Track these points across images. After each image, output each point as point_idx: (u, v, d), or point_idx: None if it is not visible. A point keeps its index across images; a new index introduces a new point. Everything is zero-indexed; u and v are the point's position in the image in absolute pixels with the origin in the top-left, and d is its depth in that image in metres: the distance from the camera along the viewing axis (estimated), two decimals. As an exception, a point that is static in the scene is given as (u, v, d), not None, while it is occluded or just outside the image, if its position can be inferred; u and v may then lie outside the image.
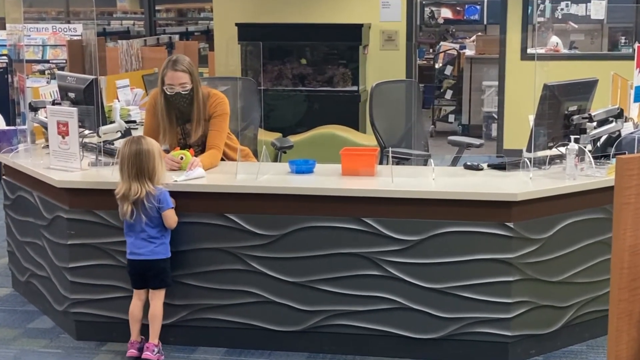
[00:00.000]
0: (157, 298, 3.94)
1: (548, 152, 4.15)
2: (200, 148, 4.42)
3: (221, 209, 3.95)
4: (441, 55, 11.31)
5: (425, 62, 11.62)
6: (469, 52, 10.90)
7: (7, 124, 5.23)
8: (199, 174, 4.07)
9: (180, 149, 4.35)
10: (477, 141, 5.35)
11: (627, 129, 4.30)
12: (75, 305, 4.19)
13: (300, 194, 3.92)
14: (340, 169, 4.12)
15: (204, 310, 4.06)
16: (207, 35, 11.50)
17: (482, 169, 4.17)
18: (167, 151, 4.32)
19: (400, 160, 4.95)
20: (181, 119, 4.42)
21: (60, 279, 4.25)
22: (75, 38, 7.89)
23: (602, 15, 8.99)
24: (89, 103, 4.37)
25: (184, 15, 13.35)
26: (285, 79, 8.47)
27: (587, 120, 4.09)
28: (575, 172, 3.93)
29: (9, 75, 6.66)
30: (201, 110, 4.35)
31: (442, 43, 11.92)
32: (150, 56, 7.91)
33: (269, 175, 4.11)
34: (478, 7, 12.64)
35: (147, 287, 3.95)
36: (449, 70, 10.82)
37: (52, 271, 4.33)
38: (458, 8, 12.72)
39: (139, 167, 3.82)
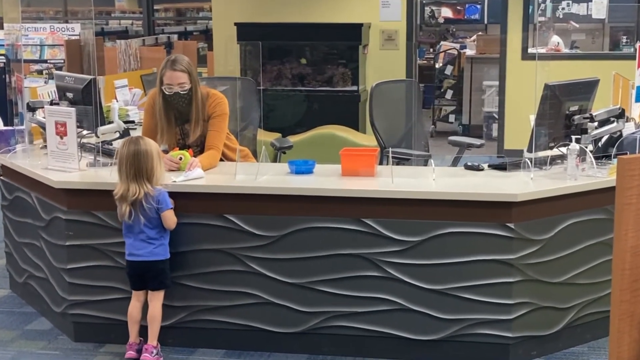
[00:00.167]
0: (156, 299, 3.93)
1: (549, 153, 4.14)
2: (199, 148, 4.41)
3: (220, 209, 3.94)
4: (441, 55, 11.30)
5: (425, 61, 11.61)
6: (469, 52, 10.89)
7: (5, 124, 5.21)
8: (198, 175, 4.06)
9: (179, 149, 4.33)
10: (477, 141, 5.35)
11: (628, 129, 4.29)
12: (73, 306, 4.18)
13: (299, 195, 3.91)
14: (340, 169, 4.10)
15: (203, 311, 4.05)
16: (206, 35, 11.48)
17: (482, 170, 4.16)
18: (165, 151, 4.31)
19: (401, 161, 4.95)
20: (180, 119, 4.40)
21: (58, 280, 4.23)
22: (73, 38, 7.87)
23: (603, 14, 8.98)
24: (87, 103, 4.36)
25: (183, 14, 13.33)
26: (284, 78, 8.45)
27: (588, 120, 4.08)
28: (577, 173, 3.92)
29: (7, 75, 6.65)
30: (200, 110, 4.34)
31: (442, 43, 11.90)
32: (149, 56, 7.89)
33: (268, 176, 4.09)
34: (478, 6, 12.63)
35: (146, 288, 3.94)
36: (449, 70, 10.81)
37: (50, 272, 4.32)
38: (458, 7, 12.71)
39: (137, 167, 3.81)
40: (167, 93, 4.29)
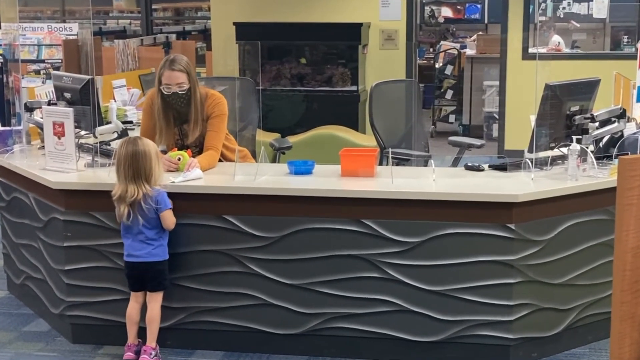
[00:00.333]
0: (155, 301, 3.91)
1: (550, 153, 4.13)
2: (197, 149, 4.39)
3: (219, 210, 3.93)
4: (441, 54, 11.28)
5: (425, 61, 11.60)
6: (469, 52, 10.87)
7: (3, 125, 5.19)
8: (196, 175, 4.04)
9: (178, 149, 4.32)
10: (478, 142, 5.35)
11: (629, 129, 4.29)
12: (71, 308, 4.16)
13: (299, 195, 3.90)
14: (339, 169, 4.09)
15: (202, 312, 4.03)
16: (205, 35, 11.45)
17: (483, 170, 4.15)
18: (164, 152, 4.30)
19: (400, 161, 4.95)
20: (178, 120, 4.39)
21: (56, 282, 4.22)
22: (71, 37, 7.85)
23: (604, 14, 8.96)
24: (85, 103, 4.35)
25: (181, 14, 13.32)
26: (283, 78, 8.43)
27: (589, 120, 4.07)
28: (578, 173, 3.91)
29: (4, 75, 6.63)
30: (199, 110, 4.33)
31: (442, 42, 11.89)
32: (147, 56, 7.88)
33: (267, 177, 4.08)
34: (479, 6, 12.61)
35: (144, 289, 3.93)
36: (449, 69, 10.80)
37: (47, 273, 4.30)
38: (459, 7, 12.69)
39: (135, 168, 3.80)
40: (165, 93, 4.28)
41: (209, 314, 4.03)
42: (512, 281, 3.77)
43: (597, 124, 4.07)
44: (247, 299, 3.97)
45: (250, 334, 4.01)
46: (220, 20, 8.90)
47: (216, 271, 3.98)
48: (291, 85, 8.39)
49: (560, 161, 4.16)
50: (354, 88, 8.32)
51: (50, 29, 8.00)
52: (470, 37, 12.03)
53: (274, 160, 5.29)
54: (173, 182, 3.97)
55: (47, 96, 5.33)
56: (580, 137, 4.00)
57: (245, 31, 8.34)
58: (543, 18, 8.91)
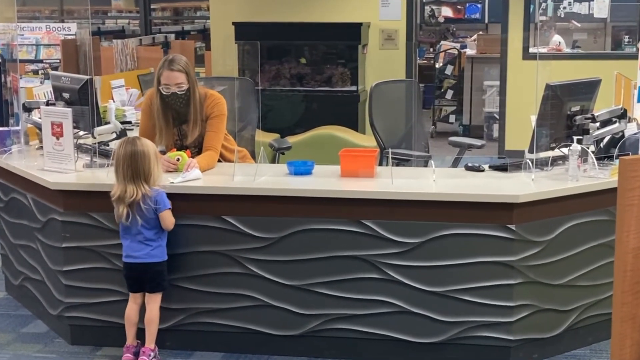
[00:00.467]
0: (154, 302, 3.90)
1: (550, 153, 4.12)
2: (197, 149, 4.38)
3: (218, 211, 3.92)
4: (442, 54, 11.27)
5: (425, 61, 11.58)
6: (469, 52, 10.85)
7: (1, 125, 5.19)
8: (195, 176, 4.03)
9: (177, 150, 4.31)
10: (478, 142, 5.34)
11: (630, 129, 4.28)
12: (69, 309, 4.15)
13: (298, 196, 3.89)
14: (339, 170, 4.08)
15: (201, 314, 4.02)
16: (204, 35, 11.42)
17: (483, 170, 4.15)
18: (163, 152, 4.29)
19: (400, 162, 4.94)
20: (177, 120, 4.38)
21: (54, 283, 4.21)
22: (69, 37, 7.83)
23: (605, 13, 8.95)
24: (83, 103, 4.34)
25: (180, 14, 13.30)
26: (283, 78, 8.41)
27: (590, 120, 4.07)
28: (578, 174, 3.90)
29: (2, 75, 6.61)
30: (198, 110, 4.31)
31: (442, 42, 11.87)
32: (146, 56, 7.86)
33: (266, 177, 4.07)
34: (479, 5, 12.60)
35: (143, 290, 3.92)
36: (449, 69, 10.78)
37: (46, 274, 4.29)
38: (459, 6, 12.68)
39: (134, 168, 3.79)
40: (164, 93, 4.27)
41: (208, 315, 4.01)
42: (512, 282, 3.76)
43: (597, 124, 4.07)
44: (246, 300, 3.96)
45: (250, 335, 4.00)
46: (219, 20, 8.89)
47: (215, 272, 3.96)
48: (290, 85, 8.38)
49: (560, 161, 4.14)
50: (353, 88, 8.31)
51: (48, 29, 7.97)
52: (471, 36, 12.01)
53: (273, 160, 5.28)
54: (172, 182, 3.95)
55: (45, 96, 5.33)
56: (581, 137, 3.99)
57: (244, 31, 8.33)
58: (544, 18, 8.90)
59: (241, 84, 5.49)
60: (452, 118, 10.52)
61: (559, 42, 8.90)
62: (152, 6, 11.74)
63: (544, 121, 4.02)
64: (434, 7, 12.30)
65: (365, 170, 4.03)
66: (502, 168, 4.13)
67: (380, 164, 4.75)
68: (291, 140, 6.00)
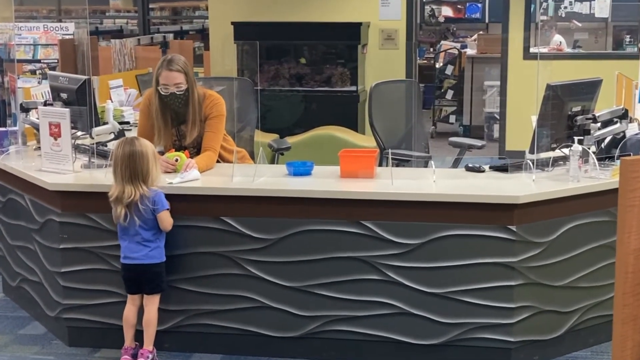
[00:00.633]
0: (152, 303, 3.89)
1: (551, 154, 4.12)
2: (195, 150, 4.37)
3: (217, 212, 3.91)
4: (442, 54, 11.25)
5: (425, 61, 11.57)
6: (470, 52, 10.84)
7: (-2, 125, 5.19)
8: (194, 176, 4.01)
9: (175, 150, 4.29)
10: (478, 142, 5.34)
11: (631, 130, 4.28)
12: (67, 310, 4.14)
13: (297, 197, 3.88)
14: (338, 171, 4.07)
15: (200, 315, 4.01)
16: (203, 34, 11.41)
17: (483, 171, 4.14)
18: (161, 153, 4.27)
19: (400, 162, 4.93)
20: (176, 120, 4.36)
21: (52, 284, 4.19)
22: (67, 37, 7.82)
23: (606, 13, 8.93)
24: (81, 104, 4.32)
25: (179, 13, 13.28)
26: (282, 79, 8.39)
27: (591, 121, 4.06)
28: (579, 174, 3.89)
29: (0, 75, 6.59)
30: (197, 111, 4.30)
31: (442, 42, 11.85)
32: (144, 56, 7.84)
33: (265, 178, 4.05)
34: (479, 5, 12.59)
35: (141, 292, 3.91)
36: (449, 69, 10.76)
37: (44, 276, 4.28)
38: (459, 6, 12.67)
39: (132, 169, 3.78)
40: (163, 93, 4.25)
41: (206, 317, 4.00)
42: (513, 283, 3.75)
43: (599, 124, 4.07)
44: (245, 301, 3.95)
45: (249, 337, 3.99)
46: (218, 20, 8.87)
47: (214, 273, 3.95)
48: (290, 85, 8.36)
49: (561, 162, 4.14)
50: (353, 88, 8.29)
51: (46, 29, 7.96)
52: (471, 36, 12.00)
53: (272, 161, 5.27)
54: (170, 183, 3.93)
55: (43, 96, 5.32)
56: (582, 137, 3.98)
57: (243, 31, 8.31)
58: (544, 17, 8.88)
59: (240, 84, 5.47)
60: (452, 118, 10.50)
61: (560, 42, 8.88)
62: (151, 6, 11.72)
63: (544, 121, 4.01)
64: (434, 7, 12.29)
65: (365, 171, 4.02)
66: (503, 169, 4.12)
67: (380, 165, 4.73)
68: (290, 140, 5.99)
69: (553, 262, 3.83)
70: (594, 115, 4.08)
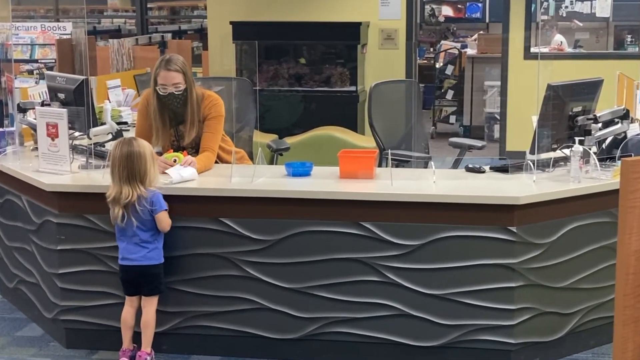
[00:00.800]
0: (150, 305, 3.88)
1: (552, 154, 4.11)
2: (194, 150, 4.36)
3: (216, 213, 3.89)
4: (442, 54, 11.23)
5: (425, 61, 11.55)
6: (470, 51, 10.83)
7: (-5, 126, 5.17)
8: (191, 175, 4.00)
9: (174, 151, 4.28)
10: (479, 143, 5.33)
11: (633, 130, 4.27)
12: (65, 312, 4.12)
13: (296, 198, 3.86)
14: (338, 171, 4.06)
15: (198, 317, 4.00)
16: (201, 34, 11.40)
17: (484, 172, 4.13)
18: (159, 153, 4.25)
19: (400, 163, 4.92)
20: (174, 121, 4.35)
21: (49, 286, 4.18)
22: (64, 37, 7.79)
23: (607, 13, 8.91)
24: (79, 104, 4.32)
25: (177, 13, 13.27)
26: (281, 79, 8.37)
27: (592, 121, 4.06)
28: (580, 175, 3.89)
29: (-3, 76, 6.59)
30: (195, 111, 4.28)
31: (442, 42, 11.84)
32: (142, 55, 7.82)
33: (264, 178, 4.04)
34: (480, 4, 12.58)
35: (139, 293, 3.89)
36: (450, 69, 10.75)
37: (41, 277, 4.26)
38: (459, 6, 12.66)
39: (130, 169, 3.77)
40: (161, 93, 4.23)
41: (205, 319, 3.99)
42: (513, 285, 3.74)
43: (600, 124, 4.06)
44: (244, 303, 3.93)
45: (248, 339, 3.97)
46: (216, 20, 8.85)
47: (213, 275, 3.94)
48: (289, 85, 8.34)
49: (562, 163, 4.13)
50: (352, 88, 8.27)
51: (43, 28, 7.93)
52: (471, 36, 11.99)
53: (271, 161, 5.26)
54: (170, 180, 3.90)
55: (40, 97, 5.30)
56: (582, 138, 3.98)
57: (242, 30, 8.29)
58: (545, 17, 8.86)
59: (239, 84, 5.47)
60: (452, 119, 10.49)
61: (561, 42, 8.86)
62: (149, 5, 11.71)
63: (545, 122, 4.00)
64: (434, 7, 12.28)
65: (365, 172, 4.01)
66: (503, 169, 4.11)
67: (380, 165, 4.72)
68: (289, 141, 5.98)
69: (554, 264, 3.82)
70: (595, 115, 4.08)
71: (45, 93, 5.05)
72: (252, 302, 3.92)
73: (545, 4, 8.81)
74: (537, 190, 3.78)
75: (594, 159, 3.94)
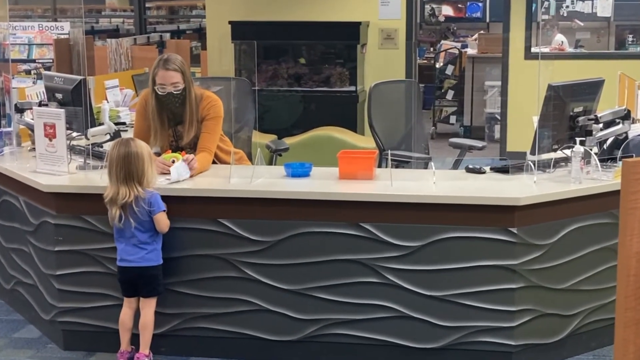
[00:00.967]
0: (148, 306, 3.87)
1: (553, 155, 4.10)
2: (192, 150, 4.33)
3: (214, 214, 3.88)
4: (442, 54, 11.22)
5: (425, 61, 11.54)
6: (470, 51, 10.82)
7: (-8, 126, 5.15)
8: (187, 173, 3.97)
9: (172, 151, 4.26)
10: (479, 143, 5.31)
11: (634, 130, 4.26)
12: (62, 314, 4.11)
13: (296, 199, 3.85)
14: (337, 172, 4.05)
15: (197, 319, 3.98)
16: (200, 34, 11.40)
17: (484, 172, 4.12)
18: (158, 154, 4.23)
19: (400, 163, 4.91)
20: (173, 121, 4.33)
21: (47, 287, 4.16)
22: (62, 37, 7.79)
23: (608, 12, 8.90)
24: (76, 104, 4.30)
25: (176, 12, 13.26)
26: (280, 79, 8.36)
27: (593, 121, 4.06)
28: (581, 176, 3.88)
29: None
30: (194, 111, 4.27)
31: (443, 42, 11.82)
32: (141, 55, 7.81)
33: (263, 179, 4.02)
34: (480, 4, 12.56)
35: (137, 295, 3.88)
36: (450, 69, 10.73)
37: (38, 279, 4.25)
38: (460, 5, 12.64)
39: (127, 170, 3.76)
40: (159, 93, 4.21)
41: (203, 320, 3.98)
42: (514, 286, 3.73)
43: (601, 125, 4.06)
44: (242, 304, 3.92)
45: (246, 341, 3.96)
46: (215, 19, 8.84)
47: (211, 276, 3.92)
48: (288, 85, 8.33)
49: (563, 163, 4.12)
50: (352, 88, 8.26)
51: (41, 28, 7.92)
52: (472, 36, 11.97)
53: (270, 162, 5.26)
54: (168, 179, 3.89)
55: (38, 97, 5.30)
56: (583, 138, 3.97)
57: (241, 30, 8.28)
58: (546, 17, 8.85)
59: (238, 84, 5.46)
60: (452, 119, 10.48)
61: (562, 42, 8.85)
62: (147, 5, 11.69)
63: (546, 122, 3.99)
64: (434, 6, 12.26)
65: (364, 172, 4.00)
66: (504, 170, 4.10)
67: (380, 166, 4.70)
68: (289, 141, 5.96)
69: (554, 265, 3.81)
70: (596, 115, 4.07)
71: (43, 93, 5.05)
72: (251, 304, 3.91)
73: (546, 3, 8.80)
74: (538, 191, 3.77)
75: (594, 159, 3.92)
